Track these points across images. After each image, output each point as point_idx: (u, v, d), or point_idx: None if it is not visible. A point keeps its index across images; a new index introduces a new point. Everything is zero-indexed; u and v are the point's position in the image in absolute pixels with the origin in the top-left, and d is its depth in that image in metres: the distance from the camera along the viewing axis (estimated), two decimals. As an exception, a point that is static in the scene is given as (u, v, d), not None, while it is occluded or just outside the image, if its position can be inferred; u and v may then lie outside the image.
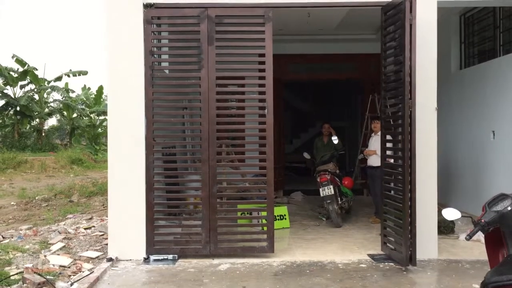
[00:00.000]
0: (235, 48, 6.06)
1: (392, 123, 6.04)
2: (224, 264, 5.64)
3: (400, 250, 5.54)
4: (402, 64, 5.49)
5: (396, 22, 5.71)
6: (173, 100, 6.27)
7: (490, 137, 7.89)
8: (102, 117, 27.52)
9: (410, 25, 5.39)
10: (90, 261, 5.78)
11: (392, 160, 6.06)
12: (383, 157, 6.15)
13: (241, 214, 6.84)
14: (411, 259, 5.43)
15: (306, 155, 8.97)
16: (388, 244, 5.93)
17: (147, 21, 5.86)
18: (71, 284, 4.86)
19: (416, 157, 5.44)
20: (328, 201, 7.70)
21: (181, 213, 6.55)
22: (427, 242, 5.88)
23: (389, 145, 6.11)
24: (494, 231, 3.33)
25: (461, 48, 9.27)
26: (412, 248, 5.42)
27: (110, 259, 5.64)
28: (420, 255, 5.82)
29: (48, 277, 4.93)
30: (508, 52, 7.70)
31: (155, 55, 6.17)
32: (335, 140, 8.37)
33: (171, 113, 6.37)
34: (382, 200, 6.06)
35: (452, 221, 6.97)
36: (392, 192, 5.91)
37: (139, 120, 5.85)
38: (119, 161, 5.89)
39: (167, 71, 6.44)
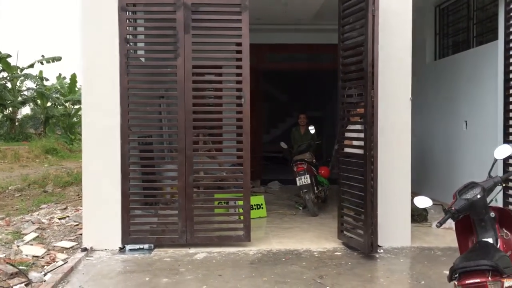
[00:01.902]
0: (211, 36, 6.03)
1: (353, 112, 6.08)
2: (201, 253, 5.65)
3: (362, 238, 5.62)
4: (364, 54, 5.55)
5: (356, 13, 5.76)
6: (149, 88, 6.19)
7: (463, 127, 8.05)
8: (77, 106, 27.01)
9: (373, 16, 5.44)
10: (65, 251, 5.72)
11: (353, 150, 6.13)
12: (342, 146, 6.22)
13: (218, 204, 6.84)
14: (373, 246, 5.52)
15: (283, 145, 9.00)
16: (345, 232, 6.01)
17: (122, 8, 5.76)
18: (45, 274, 4.80)
19: (378, 146, 5.51)
20: (305, 190, 7.77)
21: (158, 203, 6.52)
22: (401, 230, 6.00)
23: (351, 134, 6.17)
24: (464, 219, 3.41)
25: (436, 39, 9.39)
26: (374, 236, 5.52)
27: (85, 249, 5.58)
28: (394, 242, 5.96)
29: (21, 267, 4.86)
30: (481, 43, 7.84)
31: (130, 43, 6.08)
32: (311, 130, 8.41)
33: (147, 102, 6.30)
34: (340, 190, 6.15)
35: (425, 210, 7.12)
36: (353, 182, 5.99)
37: (114, 109, 5.77)
38: (94, 150, 5.81)
39: (143, 59, 6.36)
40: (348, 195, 6.04)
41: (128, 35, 5.89)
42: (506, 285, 2.77)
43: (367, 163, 5.55)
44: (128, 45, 5.87)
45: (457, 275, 2.86)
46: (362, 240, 5.61)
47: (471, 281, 2.76)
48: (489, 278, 2.73)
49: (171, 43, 5.85)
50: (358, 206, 5.82)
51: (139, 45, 6.60)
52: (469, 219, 3.40)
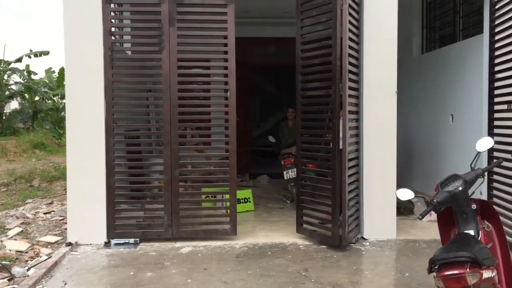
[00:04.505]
0: (197, 29, 5.99)
1: (317, 107, 6.06)
2: (186, 247, 5.63)
3: (330, 231, 5.65)
4: (332, 48, 5.55)
5: (320, 6, 5.74)
6: (134, 82, 6.14)
7: (449, 120, 8.08)
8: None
9: (341, 10, 5.45)
10: (49, 246, 5.68)
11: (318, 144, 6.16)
12: (301, 141, 6.17)
13: (206, 197, 6.82)
14: (341, 239, 5.56)
15: (271, 139, 9.02)
16: (305, 225, 6.03)
17: (106, 0, 5.69)
18: (28, 269, 4.76)
19: (364, 139, 5.51)
20: (292, 183, 7.77)
21: (144, 197, 6.48)
22: (386, 223, 6.02)
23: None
24: (446, 211, 3.44)
25: (423, 32, 9.41)
26: (342, 229, 5.55)
27: (70, 244, 5.54)
28: (379, 235, 5.98)
29: (3, 262, 4.82)
30: (467, 37, 7.86)
31: (115, 36, 6.02)
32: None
33: (132, 95, 6.24)
34: (298, 183, 6.18)
35: (411, 202, 7.16)
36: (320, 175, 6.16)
37: (99, 102, 5.72)
38: (78, 144, 5.75)
39: (129, 53, 6.30)
40: (310, 188, 6.18)
41: (112, 28, 5.83)
42: (485, 276, 2.79)
43: (335, 156, 5.57)
44: (112, 37, 5.81)
45: (436, 267, 2.88)
46: (331, 234, 5.63)
47: (450, 272, 2.78)
48: (468, 270, 2.75)
49: (156, 36, 5.79)
50: (322, 199, 5.86)
51: (125, 38, 6.54)
52: (451, 211, 3.42)
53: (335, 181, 5.60)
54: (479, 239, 3.24)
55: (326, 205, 5.77)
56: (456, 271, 2.76)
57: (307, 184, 6.28)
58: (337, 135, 5.56)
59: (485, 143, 3.54)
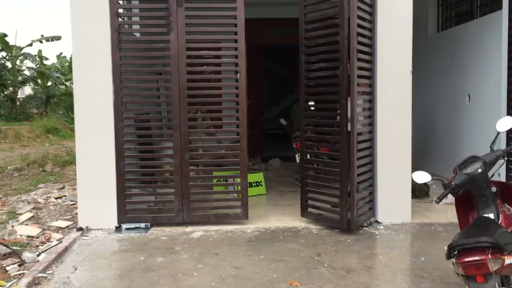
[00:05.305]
0: (205, 9, 5.83)
1: (324, 88, 5.87)
2: (197, 231, 5.56)
3: (338, 215, 5.55)
4: (340, 27, 5.38)
5: None
6: (143, 64, 6.03)
7: (466, 100, 7.87)
8: (78, 85, 26.77)
9: None
10: (60, 231, 5.66)
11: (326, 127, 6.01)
12: (304, 123, 6.01)
13: (217, 181, 6.74)
14: (350, 223, 5.44)
15: (282, 121, 8.89)
16: (309, 209, 5.90)
17: (112, -19, 5.56)
18: (38, 255, 4.74)
19: (377, 121, 5.37)
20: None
21: (154, 181, 6.42)
22: (401, 206, 5.89)
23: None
24: (464, 194, 3.30)
25: (439, 10, 9.13)
26: (351, 212, 5.43)
27: (80, 229, 5.51)
28: (394, 219, 5.86)
29: (14, 248, 4.80)
30: (484, 14, 7.59)
31: (122, 17, 5.90)
32: (311, 105, 8.24)
33: (141, 78, 6.15)
34: (303, 166, 6.03)
35: (426, 185, 7.00)
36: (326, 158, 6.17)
37: (107, 85, 5.62)
38: (87, 129, 5.68)
39: (138, 34, 6.18)
40: (317, 172, 6.14)
41: (119, 9, 5.71)
42: (507, 262, 2.66)
43: (343, 138, 5.45)
44: (119, 19, 5.69)
45: (455, 252, 2.75)
46: (339, 217, 5.53)
47: (471, 258, 2.65)
48: (489, 256, 2.62)
49: (164, 17, 5.66)
50: (330, 182, 5.76)
51: (134, 20, 6.41)
52: (469, 194, 3.28)
53: (343, 163, 5.47)
54: (499, 223, 3.11)
55: (335, 189, 5.66)
56: (477, 258, 2.62)
57: (313, 167, 6.16)
58: (344, 117, 5.42)
59: (506, 123, 3.37)
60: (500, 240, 2.68)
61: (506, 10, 5.97)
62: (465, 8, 8.36)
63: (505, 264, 2.65)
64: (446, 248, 2.89)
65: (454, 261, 2.74)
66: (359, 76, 5.60)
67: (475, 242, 2.67)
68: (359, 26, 5.47)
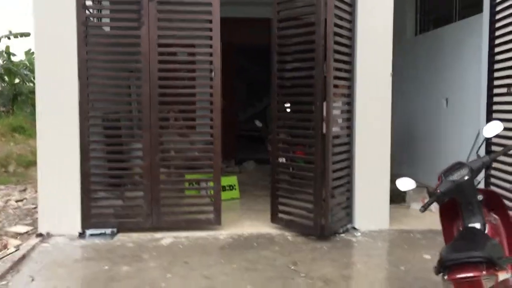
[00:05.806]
0: (179, 4, 5.56)
1: (299, 89, 5.64)
2: (167, 238, 5.27)
3: (312, 221, 5.36)
4: (316, 25, 5.19)
5: None
6: (112, 60, 5.70)
7: (443, 104, 7.79)
8: (47, 83, 25.99)
9: None
10: (18, 237, 5.29)
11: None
12: (277, 125, 5.89)
13: (189, 185, 6.46)
14: (323, 229, 5.26)
15: (257, 123, 8.66)
16: (280, 215, 5.70)
17: (80, -29, 5.23)
18: (-8, 264, 4.37)
19: (356, 124, 5.21)
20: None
21: (122, 184, 6.09)
22: (379, 213, 5.72)
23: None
24: (448, 202, 3.11)
25: (417, 12, 9.07)
26: (325, 218, 5.25)
27: (40, 235, 5.15)
28: (372, 225, 5.67)
29: (-35, 256, 4.42)
30: (464, 17, 7.52)
31: (90, 10, 5.56)
32: (287, 108, 8.05)
33: (110, 75, 5.82)
34: (275, 170, 5.86)
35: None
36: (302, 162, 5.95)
37: (72, 82, 5.28)
38: (50, 128, 5.30)
39: (108, 28, 5.85)
40: (290, 176, 5.95)
41: (86, 2, 5.37)
42: (501, 278, 2.47)
43: (318, 142, 5.27)
44: (87, 12, 5.36)
45: (446, 268, 2.54)
46: (312, 223, 5.33)
47: (464, 275, 2.44)
48: (484, 272, 2.42)
49: (135, 10, 5.35)
50: (303, 187, 5.55)
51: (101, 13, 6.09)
52: (453, 202, 3.10)
53: (317, 167, 5.28)
54: (486, 233, 2.93)
55: (308, 194, 5.45)
56: (471, 274, 2.42)
57: (287, 171, 5.94)
58: (320, 119, 5.23)
59: (494, 128, 3.20)
60: (493, 254, 2.49)
61: (487, 13, 5.87)
62: (446, 10, 8.28)
63: (499, 281, 2.46)
64: (427, 256, 2.68)
65: (444, 277, 2.54)
66: (337, 78, 5.43)
67: (467, 257, 2.47)
68: (336, 25, 5.30)
